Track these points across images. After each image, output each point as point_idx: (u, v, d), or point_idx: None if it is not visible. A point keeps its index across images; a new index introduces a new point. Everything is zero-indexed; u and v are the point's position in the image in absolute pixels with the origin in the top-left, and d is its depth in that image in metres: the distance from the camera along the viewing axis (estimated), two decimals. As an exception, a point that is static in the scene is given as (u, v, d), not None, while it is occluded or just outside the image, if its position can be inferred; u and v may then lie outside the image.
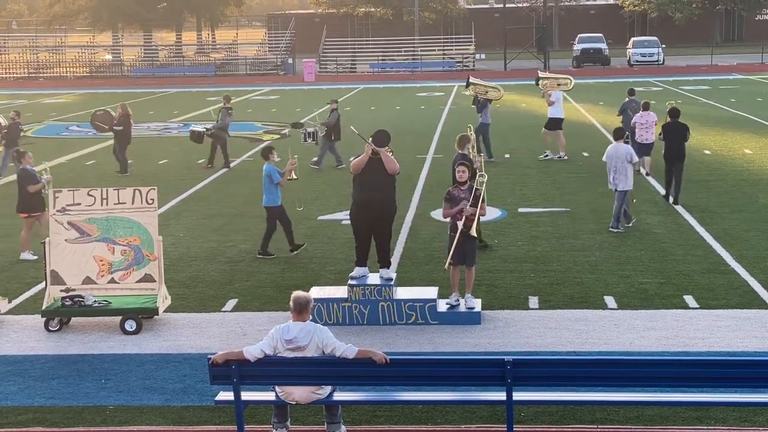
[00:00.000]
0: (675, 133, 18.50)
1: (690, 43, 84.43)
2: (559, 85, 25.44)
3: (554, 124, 24.82)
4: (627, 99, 23.95)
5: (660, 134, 19.13)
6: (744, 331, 11.36)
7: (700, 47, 79.59)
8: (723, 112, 35.33)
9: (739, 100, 39.92)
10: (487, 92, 24.55)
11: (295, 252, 15.33)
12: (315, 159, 24.07)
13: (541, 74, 26.38)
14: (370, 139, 12.02)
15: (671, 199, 18.58)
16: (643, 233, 16.30)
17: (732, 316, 11.93)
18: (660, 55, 64.78)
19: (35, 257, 15.19)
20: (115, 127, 24.19)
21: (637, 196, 19.34)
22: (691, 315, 12.03)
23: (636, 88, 26.50)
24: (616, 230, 16.36)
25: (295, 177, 15.71)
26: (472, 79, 25.12)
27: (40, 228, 15.38)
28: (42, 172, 15.42)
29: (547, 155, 24.66)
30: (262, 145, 15.63)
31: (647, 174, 21.56)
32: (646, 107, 21.90)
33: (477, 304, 12.11)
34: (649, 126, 21.28)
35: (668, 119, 18.84)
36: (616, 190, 16.46)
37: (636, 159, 16.82)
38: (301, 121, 27.16)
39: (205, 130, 25.29)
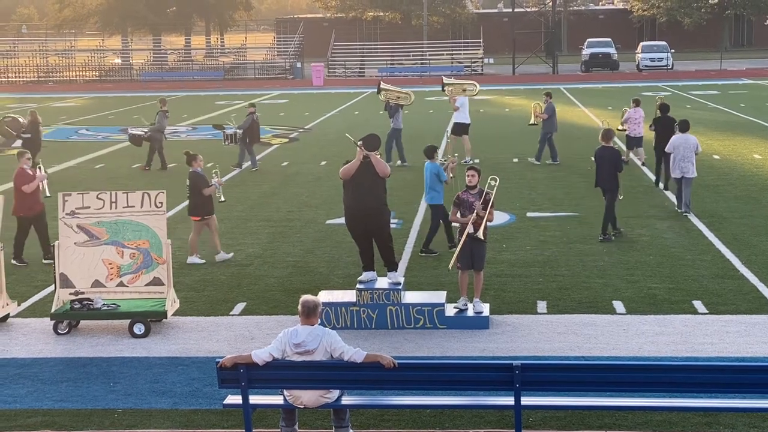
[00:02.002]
0: (664, 126, 20.25)
1: (699, 48, 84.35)
2: (464, 90, 25.87)
3: (459, 129, 25.26)
4: (549, 101, 24.80)
5: (651, 126, 20.97)
6: (753, 337, 11.33)
7: (709, 52, 79.52)
8: (732, 117, 35.25)
9: (748, 105, 39.82)
10: (398, 98, 25.04)
11: (423, 253, 15.54)
12: (246, 163, 25.02)
13: (446, 80, 26.80)
14: (360, 142, 11.99)
15: (661, 185, 20.53)
16: (652, 238, 16.28)
17: (741, 321, 11.90)
18: (669, 59, 64.71)
19: (203, 261, 15.26)
20: (23, 135, 24.22)
21: (647, 202, 19.33)
22: (700, 320, 12.00)
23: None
24: (686, 213, 17.86)
25: (452, 175, 15.91)
26: (383, 85, 25.56)
27: (209, 232, 15.41)
28: (213, 174, 15.42)
29: (466, 160, 25.00)
30: (427, 145, 15.96)
31: (642, 164, 23.65)
32: (637, 103, 23.76)
33: (485, 308, 12.10)
34: (639, 121, 23.26)
35: (659, 114, 20.82)
36: (680, 178, 17.86)
37: (700, 149, 18.21)
38: (222, 123, 27.99)
39: (143, 133, 25.66)
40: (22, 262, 15.45)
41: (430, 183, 15.59)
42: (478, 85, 26.32)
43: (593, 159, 16.92)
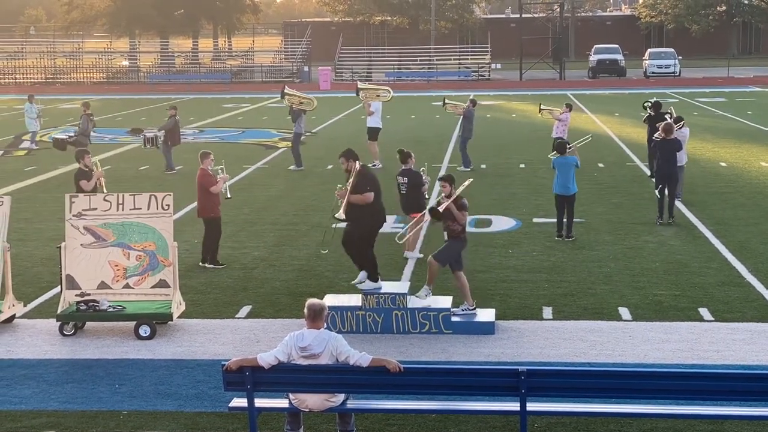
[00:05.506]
0: (658, 122, 20.96)
1: (706, 55, 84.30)
2: (378, 96, 26.28)
3: (372, 133, 25.67)
4: (472, 108, 25.45)
5: (645, 119, 22.93)
6: (759, 345, 11.31)
7: (717, 59, 79.42)
8: (739, 125, 35.22)
9: (755, 112, 39.79)
10: (301, 103, 25.42)
11: (568, 238, 16.54)
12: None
13: (360, 85, 27.10)
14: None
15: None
16: (658, 245, 16.26)
17: (747, 329, 11.88)
18: (676, 66, 64.73)
19: (421, 255, 15.32)
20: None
21: (653, 209, 19.31)
22: (706, 328, 11.98)
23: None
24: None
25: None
26: (287, 90, 25.89)
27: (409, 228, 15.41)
28: (421, 171, 15.53)
29: (374, 164, 25.13)
30: (558, 141, 16.69)
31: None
32: (569, 108, 25.80)
33: (489, 314, 12.13)
34: (567, 123, 25.63)
35: (651, 112, 22.32)
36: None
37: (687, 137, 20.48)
38: (140, 127, 28.35)
39: (67, 137, 25.76)
40: (219, 264, 15.19)
41: (568, 175, 16.34)
42: (391, 91, 26.81)
43: (653, 150, 19.32)
